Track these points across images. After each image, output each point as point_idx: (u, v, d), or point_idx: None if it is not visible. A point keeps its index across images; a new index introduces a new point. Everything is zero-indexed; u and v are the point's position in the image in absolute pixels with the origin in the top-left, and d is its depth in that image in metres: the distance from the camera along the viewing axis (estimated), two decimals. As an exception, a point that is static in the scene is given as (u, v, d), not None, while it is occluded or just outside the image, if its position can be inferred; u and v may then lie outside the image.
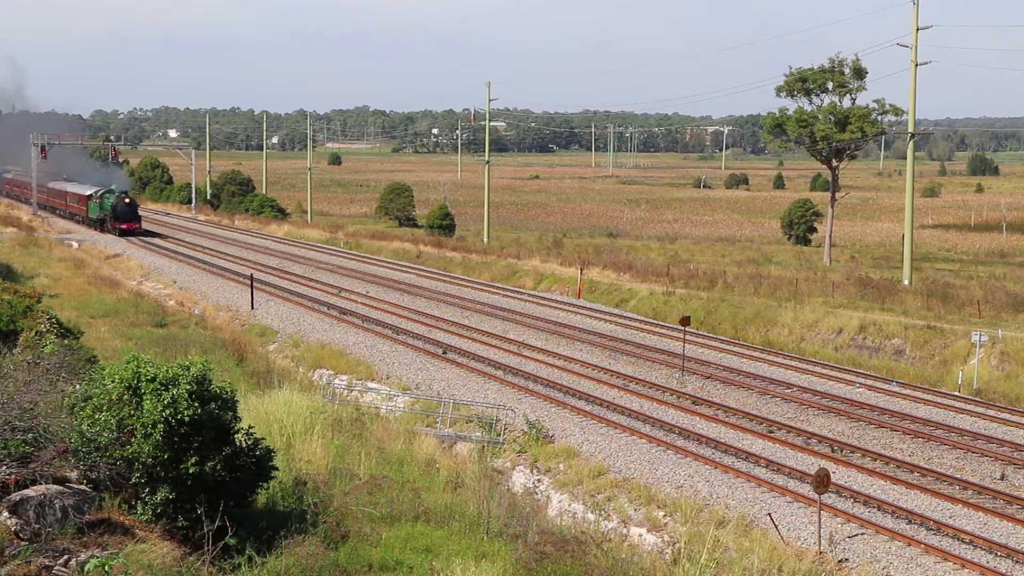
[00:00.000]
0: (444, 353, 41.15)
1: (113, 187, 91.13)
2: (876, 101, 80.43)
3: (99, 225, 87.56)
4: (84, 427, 16.69)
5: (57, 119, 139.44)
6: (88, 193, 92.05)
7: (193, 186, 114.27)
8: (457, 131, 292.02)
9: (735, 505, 24.28)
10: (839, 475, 26.32)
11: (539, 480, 27.50)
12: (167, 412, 16.32)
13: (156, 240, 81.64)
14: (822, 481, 22.26)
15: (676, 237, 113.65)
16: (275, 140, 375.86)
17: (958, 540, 22.72)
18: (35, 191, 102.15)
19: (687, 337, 40.60)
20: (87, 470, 16.91)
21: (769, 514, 23.40)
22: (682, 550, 21.26)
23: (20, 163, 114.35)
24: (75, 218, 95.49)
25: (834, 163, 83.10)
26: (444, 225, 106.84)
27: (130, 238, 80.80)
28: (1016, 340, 40.32)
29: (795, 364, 40.55)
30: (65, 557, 14.74)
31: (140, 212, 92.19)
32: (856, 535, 22.90)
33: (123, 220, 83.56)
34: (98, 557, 14.67)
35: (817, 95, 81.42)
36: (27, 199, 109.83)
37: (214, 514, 16.22)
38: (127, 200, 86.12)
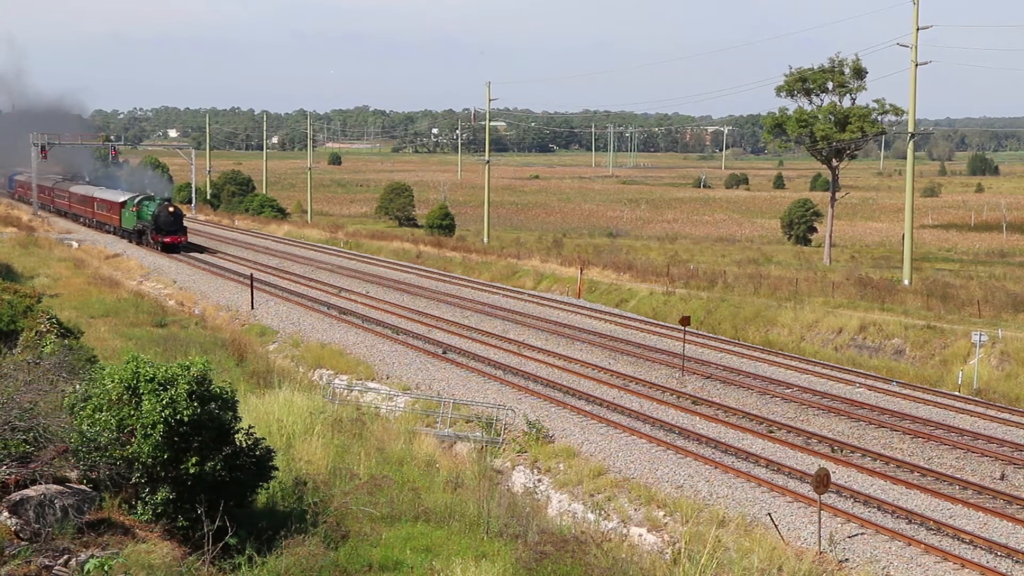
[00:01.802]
0: (444, 353, 41.16)
1: (151, 193, 79.97)
2: (876, 101, 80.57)
3: (136, 237, 76.48)
4: (84, 427, 16.70)
5: (67, 117, 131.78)
6: (121, 200, 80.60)
7: (193, 186, 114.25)
8: (457, 131, 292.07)
9: (735, 505, 24.29)
10: (839, 475, 26.33)
11: (539, 480, 27.51)
12: (166, 412, 16.33)
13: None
14: (822, 481, 22.27)
15: (676, 237, 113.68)
16: (275, 140, 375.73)
17: (958, 540, 22.72)
18: (35, 190, 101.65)
19: (687, 337, 40.61)
20: (87, 470, 16.92)
21: (769, 514, 23.40)
22: (682, 550, 21.26)
23: (26, 163, 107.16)
24: (104, 228, 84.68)
25: (834, 163, 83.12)
26: (444, 225, 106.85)
27: (174, 254, 70.61)
28: (1016, 340, 40.33)
29: (795, 364, 40.55)
30: (65, 557, 14.75)
31: None
32: (856, 535, 22.91)
33: (167, 233, 72.18)
34: (98, 557, 14.68)
35: (817, 95, 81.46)
36: (43, 203, 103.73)
37: (214, 514, 16.23)
38: (171, 209, 74.28)
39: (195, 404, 16.61)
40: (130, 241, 77.10)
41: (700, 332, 46.60)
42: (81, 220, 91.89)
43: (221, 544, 16.11)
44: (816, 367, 40.15)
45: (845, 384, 37.28)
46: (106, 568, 14.18)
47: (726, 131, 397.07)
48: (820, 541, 22.07)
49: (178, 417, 16.38)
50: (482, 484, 23.16)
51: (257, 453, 17.95)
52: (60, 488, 16.15)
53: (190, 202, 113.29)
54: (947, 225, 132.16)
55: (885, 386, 37.13)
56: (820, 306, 49.79)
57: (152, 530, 16.75)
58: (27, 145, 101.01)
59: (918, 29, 61.00)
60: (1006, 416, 32.99)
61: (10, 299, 28.64)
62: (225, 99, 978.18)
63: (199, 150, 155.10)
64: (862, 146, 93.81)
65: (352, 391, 34.03)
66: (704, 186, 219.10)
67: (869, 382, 37.68)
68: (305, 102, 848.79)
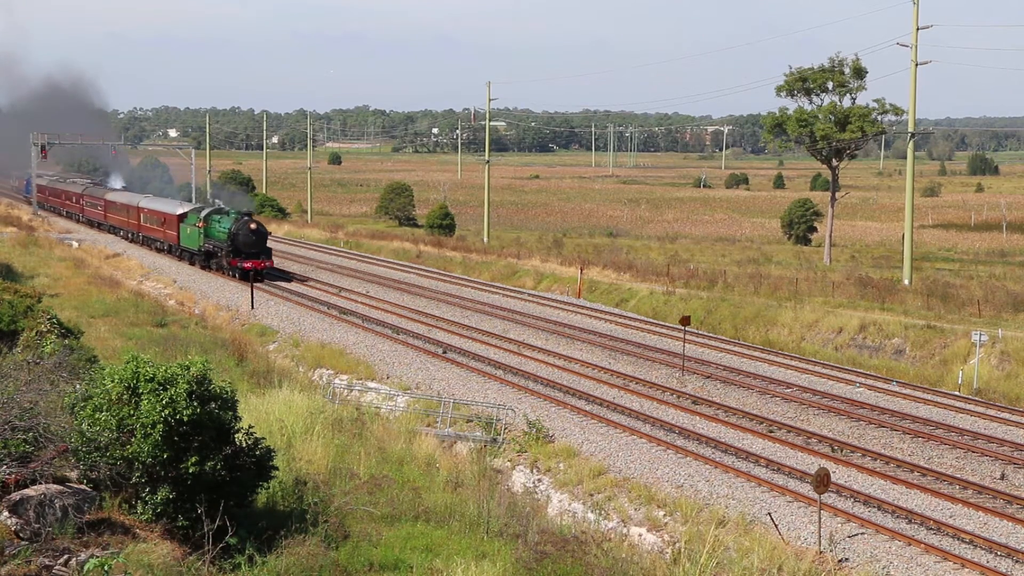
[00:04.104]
0: (444, 353, 41.17)
1: (219, 203, 65.13)
2: (876, 101, 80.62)
3: (201, 260, 62.94)
4: (84, 427, 16.69)
5: (82, 112, 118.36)
6: (180, 212, 67.32)
7: (193, 186, 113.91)
8: (457, 131, 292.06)
9: (735, 505, 24.28)
10: (839, 475, 26.33)
11: (539, 480, 27.52)
12: (166, 412, 16.33)
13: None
14: (822, 481, 22.27)
15: (676, 237, 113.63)
16: (275, 140, 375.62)
17: (958, 540, 22.73)
18: (35, 190, 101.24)
19: (687, 337, 40.61)
20: (87, 470, 16.92)
21: (769, 514, 23.40)
22: (682, 550, 21.27)
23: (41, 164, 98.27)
24: (153, 245, 72.21)
25: (834, 163, 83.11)
26: (444, 225, 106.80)
27: (256, 284, 54.45)
28: (1016, 340, 40.34)
29: (795, 364, 40.55)
30: (65, 557, 14.75)
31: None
32: (856, 535, 22.91)
33: (248, 256, 57.71)
34: (98, 557, 14.67)
35: (817, 95, 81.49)
36: (69, 211, 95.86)
37: (214, 514, 16.22)
38: (253, 226, 58.80)
39: (195, 404, 16.61)
40: (191, 264, 64.44)
41: (700, 332, 46.60)
42: (121, 233, 79.98)
43: (221, 544, 16.11)
44: (816, 367, 40.15)
45: (845, 384, 37.28)
46: (106, 568, 14.17)
47: (726, 131, 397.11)
48: (820, 541, 22.06)
49: (178, 417, 16.38)
50: (482, 484, 23.16)
51: (257, 453, 17.94)
52: (60, 488, 16.14)
53: (190, 202, 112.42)
54: (947, 225, 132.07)
55: (885, 386, 37.13)
56: (820, 306, 49.81)
57: (152, 530, 16.74)
58: (62, 144, 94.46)
59: (918, 29, 61.00)
60: (1006, 416, 32.99)
61: (10, 299, 28.61)
62: (225, 99, 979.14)
63: (199, 150, 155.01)
64: (862, 146, 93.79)
65: (352, 391, 34.03)
66: (704, 186, 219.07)
67: (869, 382, 37.68)
68: (305, 102, 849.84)
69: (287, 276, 61.49)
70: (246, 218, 59.54)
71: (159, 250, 71.15)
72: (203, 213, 63.18)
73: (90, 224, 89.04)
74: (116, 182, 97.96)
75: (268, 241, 60.38)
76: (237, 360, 35.97)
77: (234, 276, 58.14)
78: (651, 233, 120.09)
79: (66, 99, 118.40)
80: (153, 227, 72.36)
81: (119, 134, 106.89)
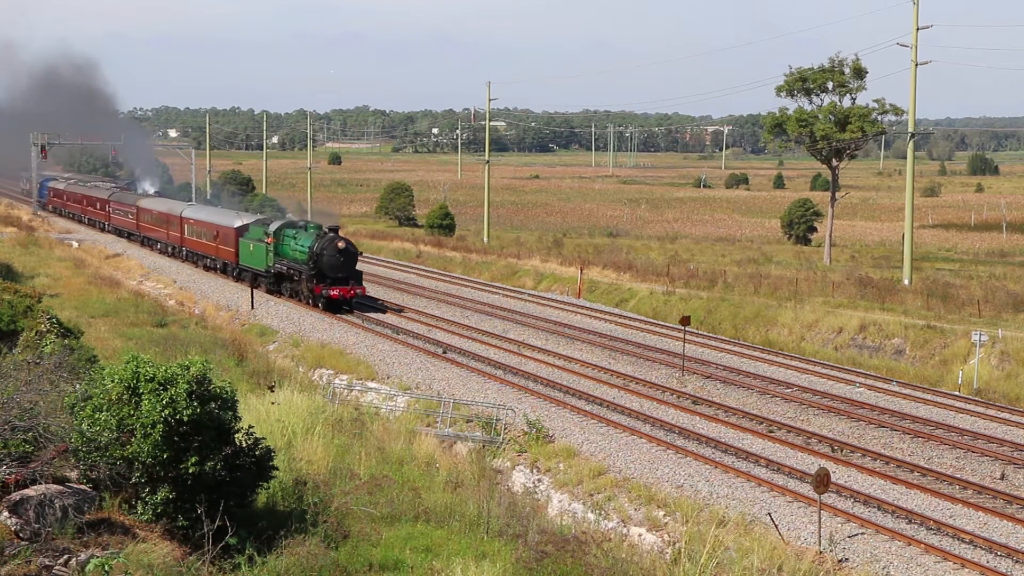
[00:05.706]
0: (444, 353, 41.18)
1: (294, 217, 56.05)
2: (876, 101, 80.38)
3: (268, 283, 53.16)
4: (84, 427, 16.68)
5: (93, 107, 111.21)
6: (240, 224, 57.26)
7: (193, 186, 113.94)
8: (457, 131, 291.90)
9: (735, 505, 24.30)
10: (839, 475, 26.34)
11: (539, 480, 27.53)
12: (166, 412, 16.32)
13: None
14: (822, 481, 22.28)
15: (676, 237, 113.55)
16: (275, 140, 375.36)
17: (958, 540, 22.74)
18: (35, 190, 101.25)
19: (687, 337, 40.61)
20: (87, 470, 16.91)
21: (769, 514, 23.41)
22: (682, 550, 21.24)
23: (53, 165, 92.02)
24: (201, 262, 62.98)
25: (834, 163, 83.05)
26: (444, 225, 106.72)
27: (343, 316, 48.53)
28: (1016, 340, 40.34)
29: (795, 364, 40.56)
30: (65, 557, 14.74)
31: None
32: (856, 535, 22.92)
33: (334, 281, 48.36)
34: (98, 557, 14.67)
35: (817, 95, 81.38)
36: (91, 219, 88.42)
37: (214, 514, 16.21)
38: (341, 245, 48.73)
39: (195, 404, 16.59)
40: (255, 287, 52.78)
41: (700, 332, 46.60)
42: (158, 247, 70.96)
43: (221, 544, 16.10)
44: (816, 367, 40.16)
45: (845, 384, 37.29)
46: (106, 568, 14.17)
47: (726, 131, 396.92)
48: (820, 541, 22.07)
49: (178, 417, 16.37)
50: (482, 484, 23.16)
51: (257, 453, 17.93)
52: (60, 488, 16.14)
53: (190, 202, 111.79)
54: (947, 225, 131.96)
55: (885, 386, 37.15)
56: (820, 306, 49.79)
57: (152, 530, 16.74)
58: (63, 144, 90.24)
59: (918, 29, 60.98)
60: (1006, 416, 33.01)
61: (10, 299, 28.60)
62: (225, 99, 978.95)
63: (199, 150, 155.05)
64: (862, 146, 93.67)
65: (352, 391, 34.04)
66: (704, 186, 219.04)
67: (869, 382, 37.69)
68: (305, 102, 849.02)
69: (381, 307, 51.44)
70: (331, 235, 48.89)
71: (209, 268, 61.83)
72: (272, 227, 53.04)
73: (118, 234, 79.82)
74: (148, 186, 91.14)
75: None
76: (237, 360, 35.99)
77: (319, 305, 48.80)
78: (651, 233, 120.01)
79: (68, 89, 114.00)
80: (202, 241, 62.31)
81: (120, 133, 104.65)
